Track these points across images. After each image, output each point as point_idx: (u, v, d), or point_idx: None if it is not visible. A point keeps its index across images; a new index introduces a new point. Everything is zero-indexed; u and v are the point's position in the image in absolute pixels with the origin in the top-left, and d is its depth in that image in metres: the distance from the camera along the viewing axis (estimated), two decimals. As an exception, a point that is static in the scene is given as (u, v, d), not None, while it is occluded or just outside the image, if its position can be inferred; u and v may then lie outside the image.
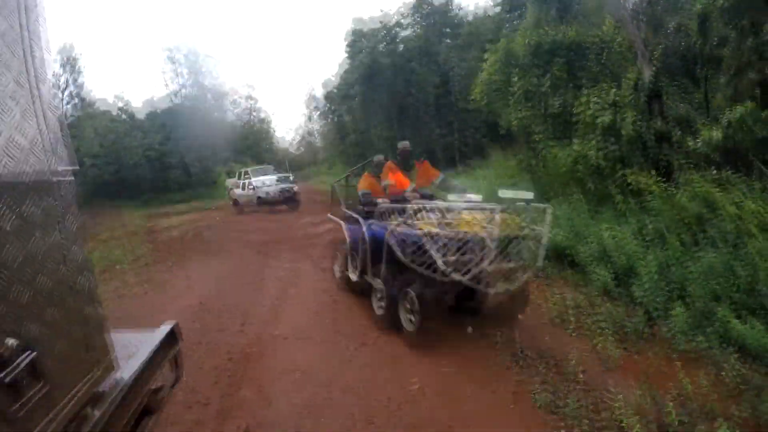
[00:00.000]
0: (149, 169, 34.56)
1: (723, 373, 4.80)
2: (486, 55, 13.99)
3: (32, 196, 1.86)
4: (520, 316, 6.60)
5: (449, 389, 4.90)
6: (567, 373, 5.04)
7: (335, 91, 34.60)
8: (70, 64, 35.82)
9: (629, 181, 8.86)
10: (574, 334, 6.18)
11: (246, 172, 25.57)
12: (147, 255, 13.53)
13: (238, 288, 9.54)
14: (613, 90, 10.26)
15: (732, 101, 9.98)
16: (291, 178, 24.39)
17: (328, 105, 39.14)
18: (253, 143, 46.48)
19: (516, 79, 12.27)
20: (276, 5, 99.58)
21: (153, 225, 20.01)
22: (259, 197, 22.90)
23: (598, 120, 9.79)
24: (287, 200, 23.25)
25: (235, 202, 25.56)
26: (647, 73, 10.61)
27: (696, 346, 5.34)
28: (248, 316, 7.61)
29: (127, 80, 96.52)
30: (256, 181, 23.72)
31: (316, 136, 53.42)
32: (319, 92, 44.47)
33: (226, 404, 4.86)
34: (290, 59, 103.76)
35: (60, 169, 2.09)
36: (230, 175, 28.58)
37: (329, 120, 41.91)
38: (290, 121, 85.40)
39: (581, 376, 5.00)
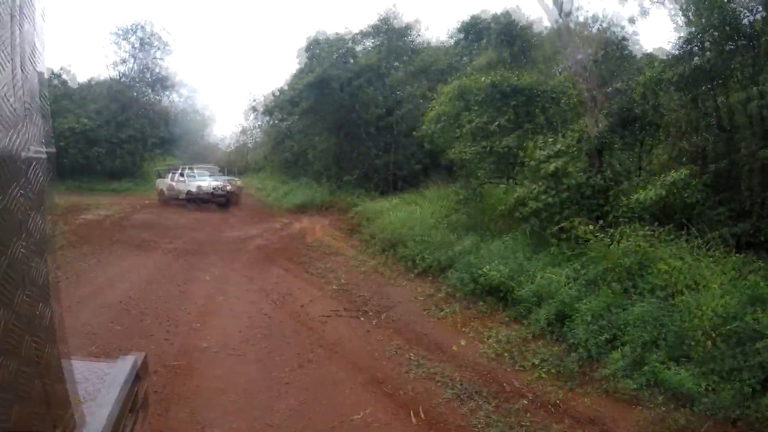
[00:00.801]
0: (74, 142, 32.16)
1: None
2: (440, 87, 14.12)
3: None
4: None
5: (392, 421, 4.83)
6: (511, 411, 5.05)
7: (279, 94, 33.98)
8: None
9: (569, 227, 9.08)
10: (510, 369, 6.23)
11: (182, 172, 25.27)
12: (62, 241, 12.66)
13: (163, 288, 9.15)
14: (561, 140, 10.57)
15: (667, 165, 10.51)
16: (238, 181, 25.64)
17: (271, 105, 38.30)
18: (186, 137, 45.04)
19: (468, 114, 12.44)
20: (229, 16, 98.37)
21: (74, 210, 18.83)
22: (189, 191, 23.08)
23: (543, 167, 10.04)
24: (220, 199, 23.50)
25: (167, 199, 25.11)
26: (593, 128, 10.99)
27: (627, 386, 5.50)
28: (174, 323, 7.28)
29: (72, 57, 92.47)
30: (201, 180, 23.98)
31: (250, 137, 52.29)
32: (261, 103, 43.50)
33: (153, 429, 4.42)
34: (235, 69, 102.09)
35: (31, 149, 1.43)
36: (161, 174, 27.64)
37: (267, 122, 41.15)
38: (226, 128, 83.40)
39: (526, 414, 5.03)
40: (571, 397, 5.53)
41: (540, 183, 10.22)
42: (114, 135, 33.88)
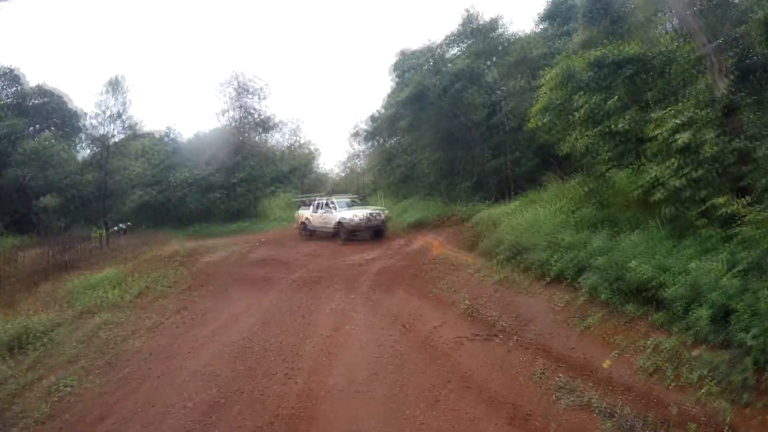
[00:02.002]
0: (192, 191, 34.51)
1: None
2: (543, 74, 13.13)
3: None
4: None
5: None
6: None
7: (382, 111, 34.13)
8: (119, 93, 36.85)
9: (716, 206, 7.94)
10: (672, 386, 5.35)
11: (327, 203, 23.30)
12: (187, 283, 13.02)
13: (286, 322, 8.93)
14: (691, 105, 9.39)
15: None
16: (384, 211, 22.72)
17: (373, 127, 38.81)
18: (297, 172, 46.84)
19: (579, 97, 11.43)
20: (322, 46, 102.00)
21: (196, 253, 19.60)
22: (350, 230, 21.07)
23: (676, 139, 8.92)
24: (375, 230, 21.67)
25: (310, 232, 24.08)
26: (721, 86, 9.76)
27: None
28: (297, 359, 6.96)
29: (178, 115, 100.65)
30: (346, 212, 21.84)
31: (359, 162, 53.57)
32: (366, 126, 44.34)
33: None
34: (336, 97, 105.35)
35: None
36: (303, 205, 26.08)
37: (374, 144, 41.67)
38: (335, 157, 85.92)
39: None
40: (748, 415, 4.68)
41: (674, 159, 9.08)
42: (228, 179, 35.68)
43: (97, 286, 12.02)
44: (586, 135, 11.53)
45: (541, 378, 5.77)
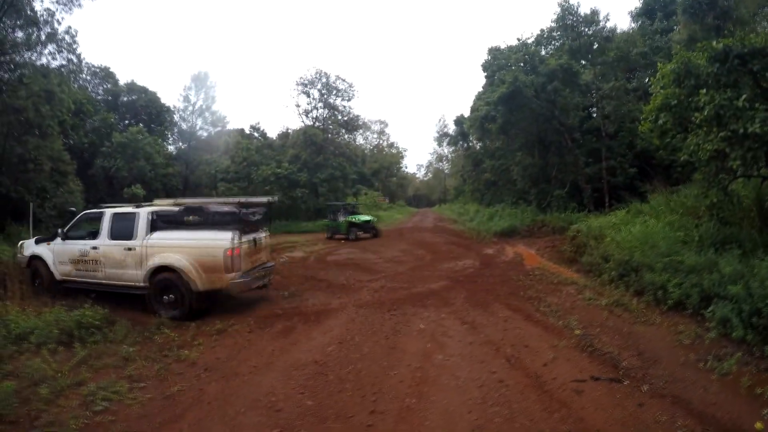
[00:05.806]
0: (277, 186, 35.16)
1: None
2: (660, 68, 11.63)
3: None
4: None
5: None
6: None
7: (469, 113, 33.36)
8: (204, 89, 37.78)
9: None
10: None
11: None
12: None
13: (367, 342, 7.79)
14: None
15: None
16: None
17: (458, 130, 38.25)
18: (381, 173, 47.06)
19: (702, 95, 9.96)
20: (407, 46, 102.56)
21: (278, 250, 18.97)
22: None
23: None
24: None
25: None
26: None
27: None
28: (381, 395, 5.69)
29: (262, 113, 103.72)
30: None
31: (444, 162, 53.30)
32: (452, 129, 44.05)
33: None
34: (421, 98, 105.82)
35: None
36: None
37: (460, 147, 41.09)
38: (419, 158, 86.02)
39: None
40: None
41: None
42: (311, 178, 35.79)
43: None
44: (710, 140, 10.08)
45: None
